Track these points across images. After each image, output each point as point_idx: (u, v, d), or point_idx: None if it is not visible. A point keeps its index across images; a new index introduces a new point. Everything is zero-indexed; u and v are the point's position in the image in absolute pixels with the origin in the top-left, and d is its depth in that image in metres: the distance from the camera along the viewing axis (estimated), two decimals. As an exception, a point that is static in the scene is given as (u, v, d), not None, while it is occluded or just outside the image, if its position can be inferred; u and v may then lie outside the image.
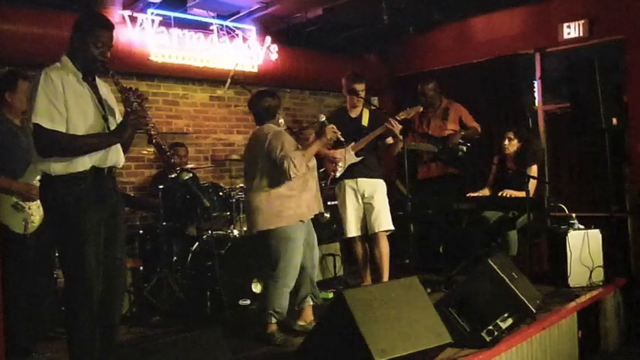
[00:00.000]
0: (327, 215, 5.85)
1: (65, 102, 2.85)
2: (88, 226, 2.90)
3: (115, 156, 3.07)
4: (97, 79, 3.13)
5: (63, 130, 2.85)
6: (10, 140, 3.78)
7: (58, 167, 2.87)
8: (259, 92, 4.24)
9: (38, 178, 3.63)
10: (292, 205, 3.92)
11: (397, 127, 4.58)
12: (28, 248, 3.82)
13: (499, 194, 5.23)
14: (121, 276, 3.24)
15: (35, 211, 3.80)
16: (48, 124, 2.81)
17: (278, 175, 3.89)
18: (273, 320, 3.90)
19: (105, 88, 3.16)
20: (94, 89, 3.04)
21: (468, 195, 5.39)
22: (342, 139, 4.10)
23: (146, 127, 3.04)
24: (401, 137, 4.64)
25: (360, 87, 4.80)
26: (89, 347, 2.95)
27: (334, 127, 4.04)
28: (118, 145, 3.09)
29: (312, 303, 4.12)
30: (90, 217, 2.91)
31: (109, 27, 3.03)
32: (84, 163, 2.90)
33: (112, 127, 3.04)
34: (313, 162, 4.11)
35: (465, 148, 5.58)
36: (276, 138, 3.93)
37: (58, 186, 2.89)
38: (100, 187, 2.98)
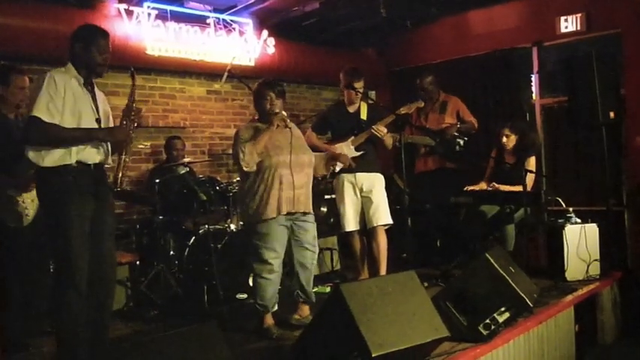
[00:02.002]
0: (325, 209, 5.85)
1: (63, 102, 3.13)
2: (72, 213, 3.12)
3: (102, 155, 3.31)
4: (96, 89, 3.39)
5: (57, 123, 3.13)
6: (3, 134, 3.77)
7: (46, 159, 3.12)
8: None
9: (32, 171, 3.63)
10: (249, 204, 3.90)
11: (382, 132, 4.66)
12: (23, 242, 3.82)
13: (487, 188, 5.22)
14: (111, 268, 3.38)
15: (29, 205, 3.80)
16: (46, 118, 3.08)
17: (241, 172, 3.97)
18: (260, 312, 3.94)
19: (102, 97, 3.44)
20: (93, 95, 3.33)
21: (466, 188, 5.37)
22: (290, 127, 4.01)
23: (125, 145, 3.37)
24: (389, 141, 4.74)
25: (359, 85, 4.77)
26: (77, 331, 3.11)
27: (283, 115, 3.95)
28: (106, 145, 3.34)
29: (300, 300, 4.12)
30: (75, 205, 3.13)
31: (108, 36, 3.39)
32: (70, 157, 3.15)
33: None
34: (285, 158, 3.91)
35: (462, 142, 5.57)
36: (234, 136, 4.01)
37: (47, 176, 3.16)
38: (87, 180, 3.20)
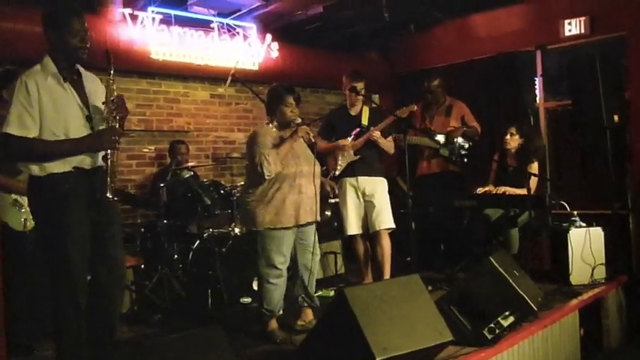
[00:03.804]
0: (328, 213, 5.85)
1: (41, 108, 2.83)
2: (68, 221, 2.87)
3: (97, 156, 3.02)
4: (83, 73, 3.08)
5: (35, 136, 2.83)
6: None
7: (37, 168, 2.87)
8: None
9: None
10: (261, 210, 3.87)
11: (375, 136, 4.69)
12: (27, 246, 3.83)
13: (495, 191, 5.21)
14: (119, 274, 3.19)
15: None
16: (18, 132, 2.79)
17: (253, 176, 3.90)
18: (266, 317, 3.93)
19: (91, 82, 3.11)
20: (79, 87, 3.01)
21: (476, 192, 5.34)
22: (314, 141, 4.01)
23: (115, 148, 2.97)
24: (387, 144, 4.78)
25: (360, 85, 4.80)
26: (76, 343, 2.94)
27: (307, 128, 3.93)
28: None
29: (305, 305, 4.11)
30: (71, 213, 2.88)
31: (80, 13, 3.02)
32: (64, 164, 2.90)
33: (97, 127, 2.99)
34: (303, 168, 3.95)
35: (466, 146, 5.56)
36: (250, 139, 3.98)
37: (42, 185, 2.89)
38: (84, 186, 2.95)
